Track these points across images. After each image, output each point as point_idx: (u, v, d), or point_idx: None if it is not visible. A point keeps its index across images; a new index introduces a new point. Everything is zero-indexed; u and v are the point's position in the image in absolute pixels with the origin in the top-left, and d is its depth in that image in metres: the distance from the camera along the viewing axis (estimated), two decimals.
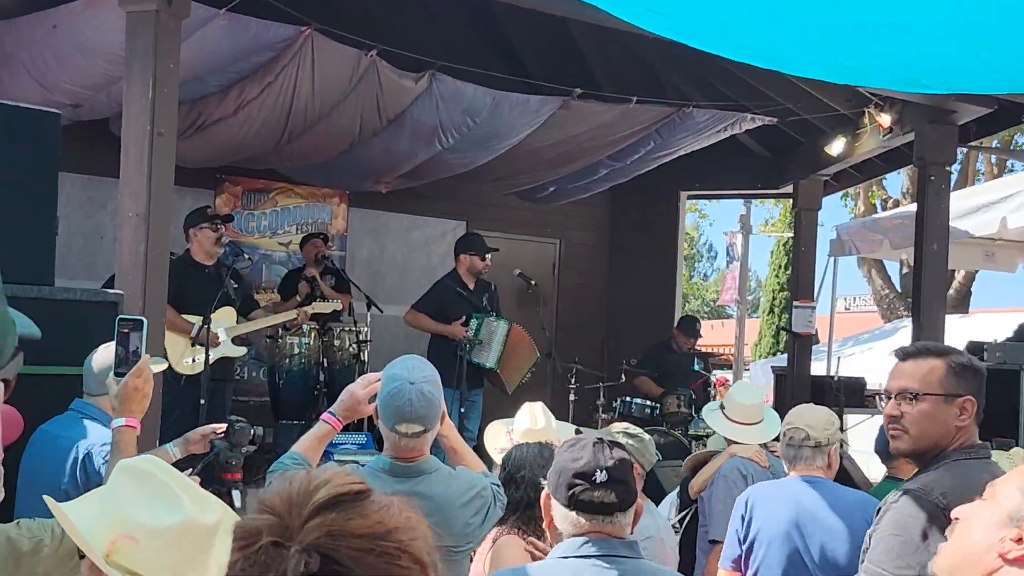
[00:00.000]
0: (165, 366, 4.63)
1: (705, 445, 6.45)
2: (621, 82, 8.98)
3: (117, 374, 3.00)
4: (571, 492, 2.40)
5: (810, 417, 3.87)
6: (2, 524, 2.58)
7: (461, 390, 7.37)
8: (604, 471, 2.39)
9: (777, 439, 4.47)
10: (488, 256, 7.90)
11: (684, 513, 5.30)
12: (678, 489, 5.52)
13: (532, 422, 4.09)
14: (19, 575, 2.47)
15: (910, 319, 8.93)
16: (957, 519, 1.96)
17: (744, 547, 3.80)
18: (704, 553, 4.78)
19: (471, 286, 7.87)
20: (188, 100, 6.96)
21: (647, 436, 4.15)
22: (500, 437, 4.25)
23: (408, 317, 7.87)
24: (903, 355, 2.80)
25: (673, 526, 5.13)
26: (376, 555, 1.04)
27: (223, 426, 3.65)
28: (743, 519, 3.82)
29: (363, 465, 3.25)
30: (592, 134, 8.38)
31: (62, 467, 3.41)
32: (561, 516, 2.45)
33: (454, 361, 7.28)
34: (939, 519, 2.60)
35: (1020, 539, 1.81)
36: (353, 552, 1.04)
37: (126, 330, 2.99)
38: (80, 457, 3.45)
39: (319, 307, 7.59)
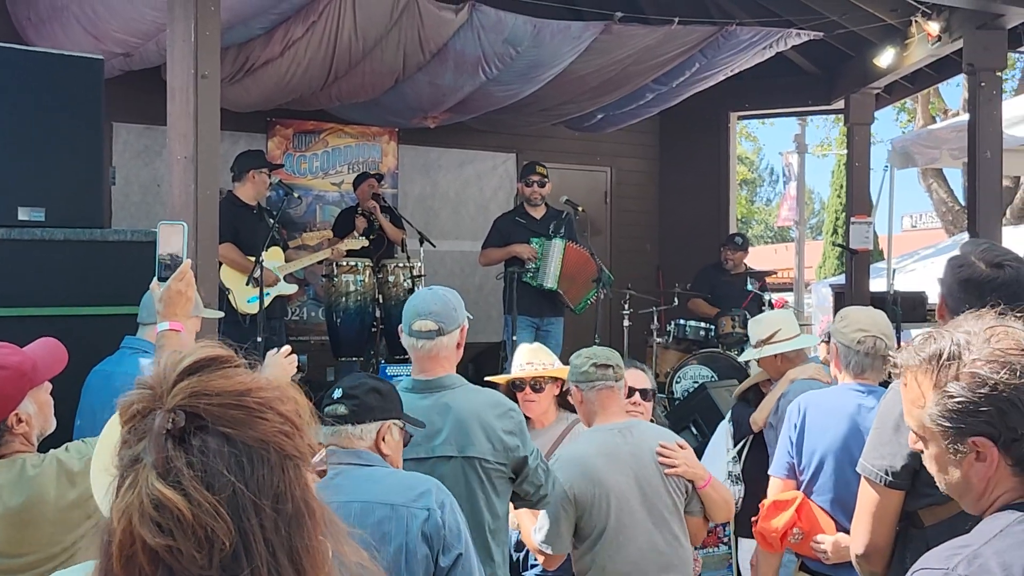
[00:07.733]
0: (221, 315, 4.69)
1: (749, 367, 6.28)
2: (663, 3, 8.88)
3: (161, 279, 2.96)
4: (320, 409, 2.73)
5: (886, 325, 3.56)
6: (52, 450, 2.74)
7: (538, 318, 7.76)
8: (340, 389, 2.79)
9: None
10: (535, 182, 7.97)
11: (743, 442, 5.00)
12: (730, 415, 5.22)
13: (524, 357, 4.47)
14: (76, 493, 2.63)
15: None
16: None
17: (796, 458, 3.61)
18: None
19: (537, 215, 8.03)
20: (235, 44, 7.07)
21: (585, 352, 3.84)
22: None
23: (479, 259, 8.26)
24: None
25: (733, 457, 4.95)
26: (237, 408, 1.12)
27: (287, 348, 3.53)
28: (796, 427, 3.59)
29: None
30: (636, 58, 8.31)
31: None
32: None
33: (523, 288, 7.60)
34: None
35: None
36: (214, 407, 1.11)
37: (167, 235, 2.97)
38: None
39: (349, 244, 7.67)
